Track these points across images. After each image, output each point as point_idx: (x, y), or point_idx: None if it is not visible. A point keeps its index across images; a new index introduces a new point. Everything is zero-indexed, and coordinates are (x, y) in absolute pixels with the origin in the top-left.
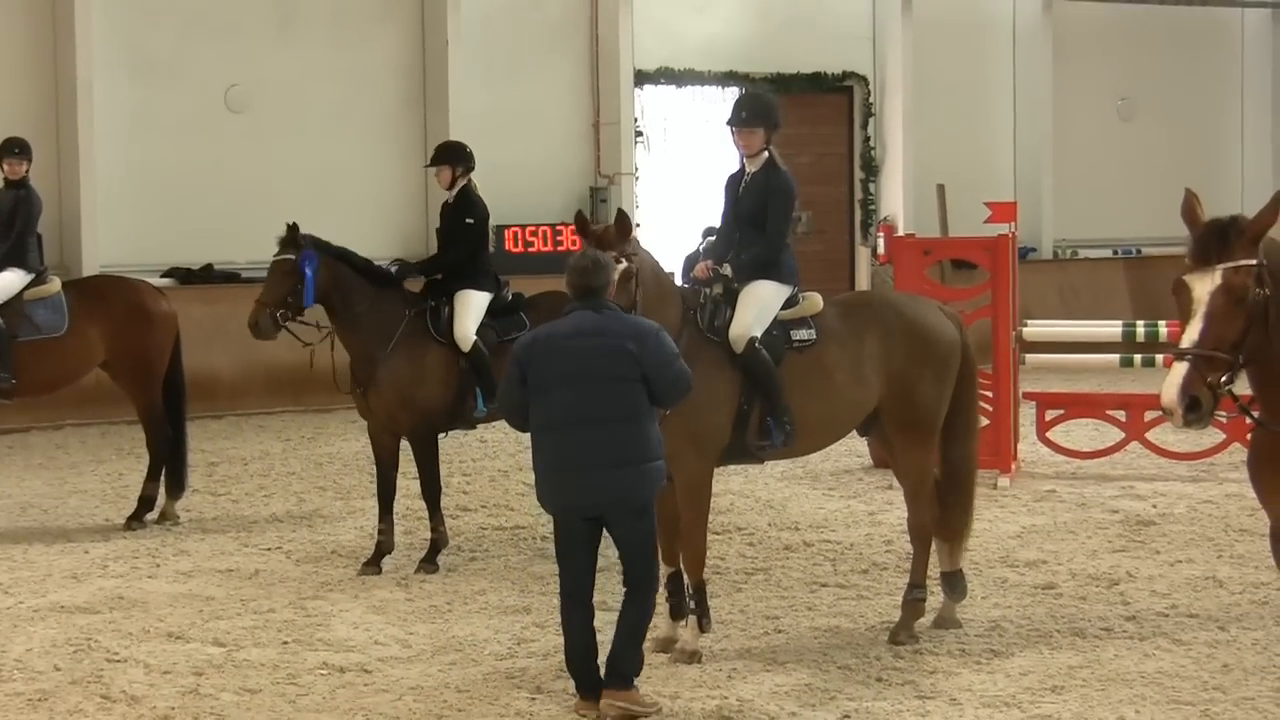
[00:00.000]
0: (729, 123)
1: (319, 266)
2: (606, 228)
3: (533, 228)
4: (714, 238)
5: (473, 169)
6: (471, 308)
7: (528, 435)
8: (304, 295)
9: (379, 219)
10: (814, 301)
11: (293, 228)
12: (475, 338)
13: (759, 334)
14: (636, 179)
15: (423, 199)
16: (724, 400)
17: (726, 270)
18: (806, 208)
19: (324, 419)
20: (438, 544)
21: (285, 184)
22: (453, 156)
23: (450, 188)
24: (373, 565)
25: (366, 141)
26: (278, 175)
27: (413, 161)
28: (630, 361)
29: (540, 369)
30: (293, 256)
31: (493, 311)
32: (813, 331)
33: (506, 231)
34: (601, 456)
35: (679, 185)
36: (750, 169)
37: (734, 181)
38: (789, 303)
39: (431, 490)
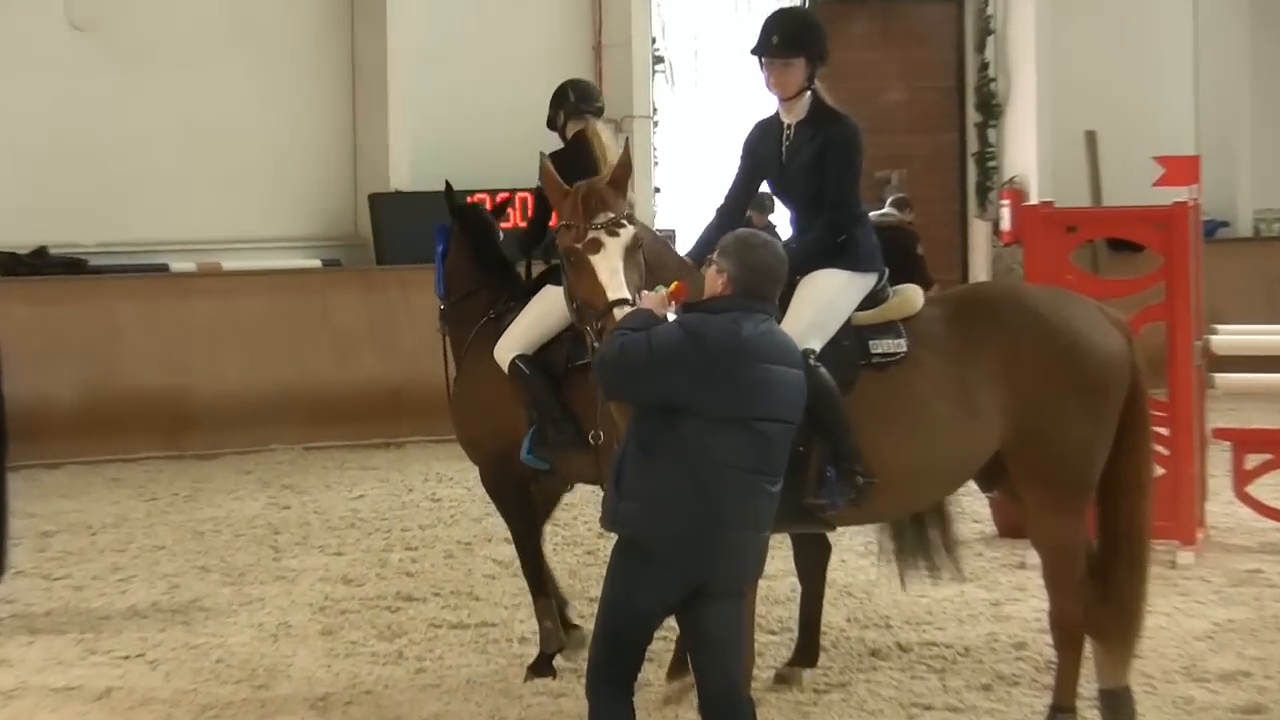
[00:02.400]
0: (755, 52)
1: (450, 245)
2: (594, 184)
3: (505, 193)
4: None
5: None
6: (534, 313)
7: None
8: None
9: (289, 184)
10: (907, 299)
11: (447, 186)
12: (515, 356)
13: (818, 345)
14: (655, 125)
15: (349, 155)
16: None
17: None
18: (896, 164)
19: (208, 469)
20: (543, 644)
21: (153, 135)
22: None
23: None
24: (542, 667)
25: (271, 74)
26: (142, 122)
27: (336, 103)
28: (801, 401)
29: (715, 383)
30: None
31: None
32: (902, 342)
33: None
34: (752, 517)
35: (716, 133)
36: (789, 118)
37: (764, 138)
38: (869, 300)
39: (523, 565)
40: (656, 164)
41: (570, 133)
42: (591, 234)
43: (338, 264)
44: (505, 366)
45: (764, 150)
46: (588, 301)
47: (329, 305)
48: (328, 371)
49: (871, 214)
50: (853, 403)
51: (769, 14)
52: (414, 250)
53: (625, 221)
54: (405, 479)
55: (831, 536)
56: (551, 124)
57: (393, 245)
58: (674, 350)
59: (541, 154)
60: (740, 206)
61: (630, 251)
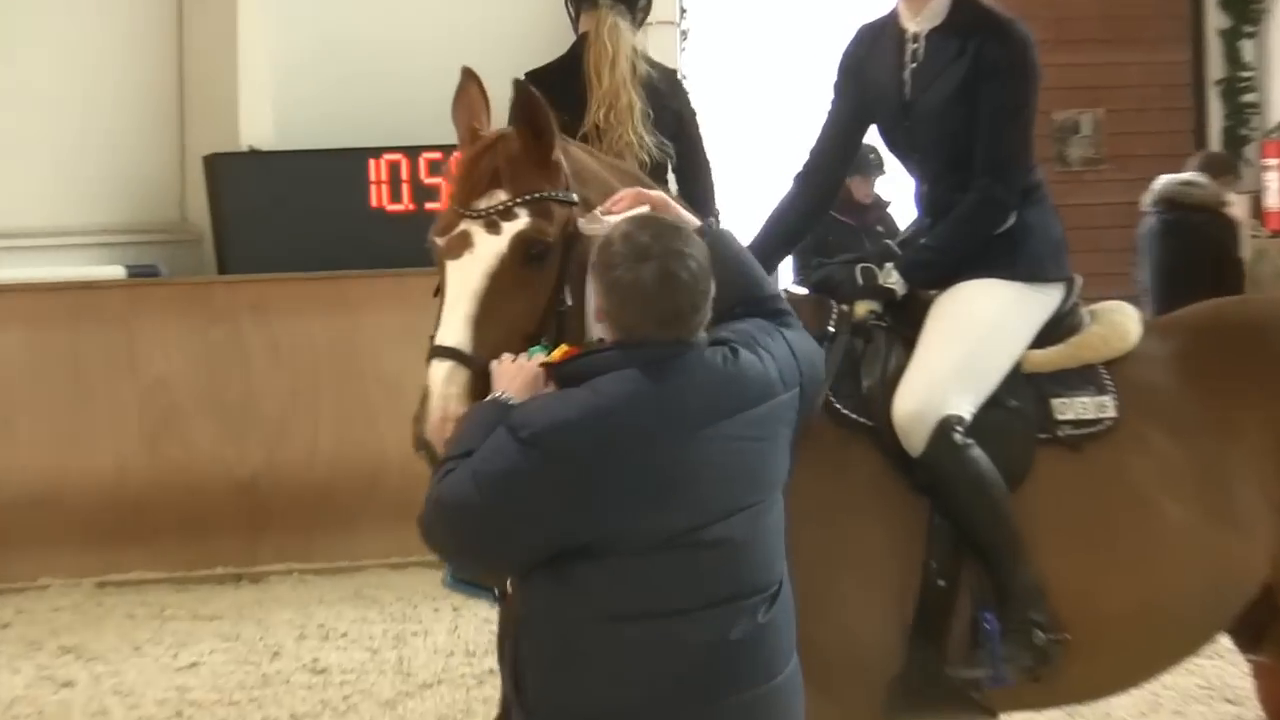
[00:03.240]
0: None
1: None
2: (494, 138)
3: (438, 152)
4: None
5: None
6: None
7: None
8: None
9: (66, 141)
10: (1113, 328)
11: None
12: None
13: (968, 409)
14: (684, 35)
15: (171, 93)
16: (882, 572)
17: (894, 279)
18: (1087, 100)
19: None
20: None
21: None
22: None
23: None
24: None
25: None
26: None
27: (147, 14)
28: (781, 458)
29: (614, 498)
30: None
31: None
32: (1108, 401)
33: (374, 163)
34: (751, 666)
35: (771, 47)
36: (915, 22)
37: (874, 56)
38: (1049, 330)
39: None
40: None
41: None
42: (462, 225)
43: (153, 272)
44: None
45: (873, 75)
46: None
47: (137, 342)
48: (134, 454)
49: (1160, 182)
50: (1027, 505)
51: None
52: (283, 248)
53: (522, 207)
54: (267, 635)
55: None
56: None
57: (244, 241)
58: (516, 476)
59: (516, 80)
60: (833, 168)
61: (521, 262)
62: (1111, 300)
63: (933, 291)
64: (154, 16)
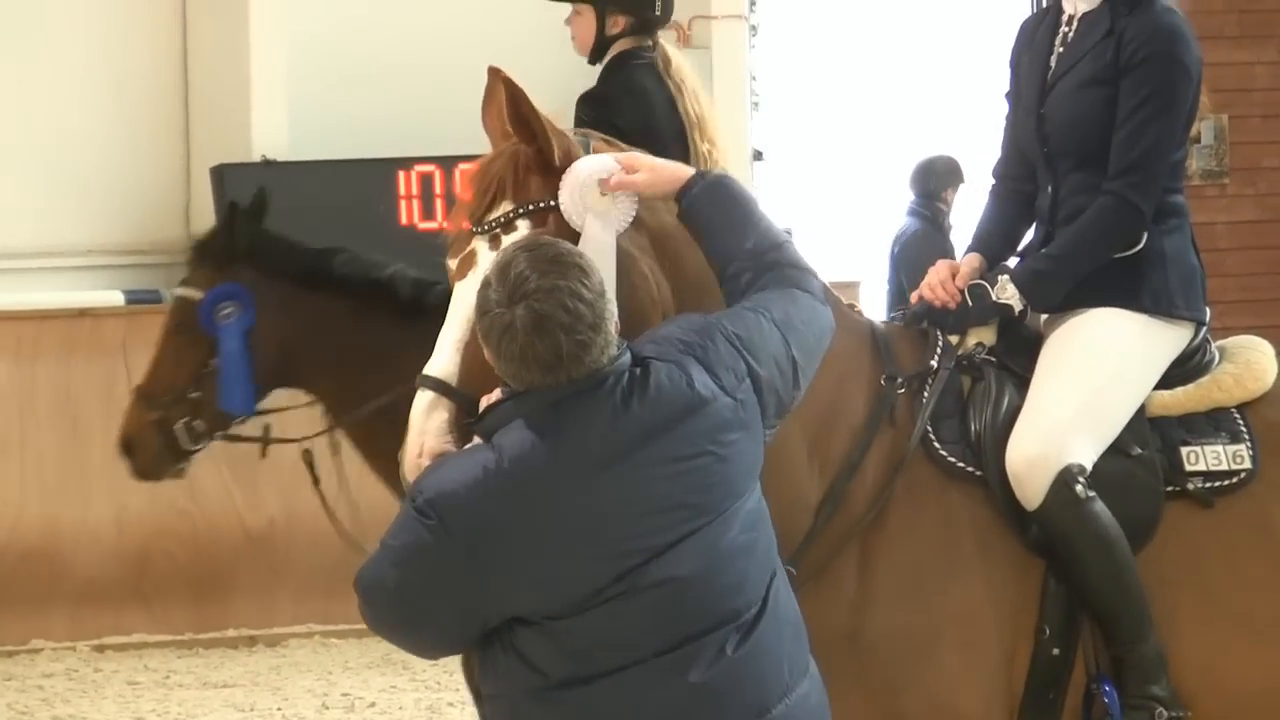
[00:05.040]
0: None
1: (258, 314)
2: (504, 154)
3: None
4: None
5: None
6: None
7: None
8: (225, 380)
9: (64, 155)
10: (1248, 365)
11: (229, 216)
12: None
13: (1089, 457)
14: (753, 30)
15: (177, 101)
16: (989, 638)
17: (1010, 292)
18: (1215, 103)
19: None
20: None
21: None
22: None
23: (590, 58)
24: None
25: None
26: None
27: (152, 17)
28: (732, 469)
29: (540, 553)
30: (196, 294)
31: None
32: (1244, 450)
33: (404, 175)
34: (715, 704)
35: (823, 89)
36: (1071, 6)
37: (1033, 41)
38: (1176, 367)
39: None
40: (755, 105)
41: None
42: (471, 243)
43: (155, 298)
44: None
45: (1029, 59)
46: None
47: (137, 376)
48: (135, 502)
49: None
50: (1152, 566)
51: None
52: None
53: (525, 218)
54: (285, 705)
55: None
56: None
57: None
58: (419, 547)
59: (490, 69)
60: (1026, 177)
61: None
62: (1241, 335)
63: (1044, 318)
64: (156, 12)
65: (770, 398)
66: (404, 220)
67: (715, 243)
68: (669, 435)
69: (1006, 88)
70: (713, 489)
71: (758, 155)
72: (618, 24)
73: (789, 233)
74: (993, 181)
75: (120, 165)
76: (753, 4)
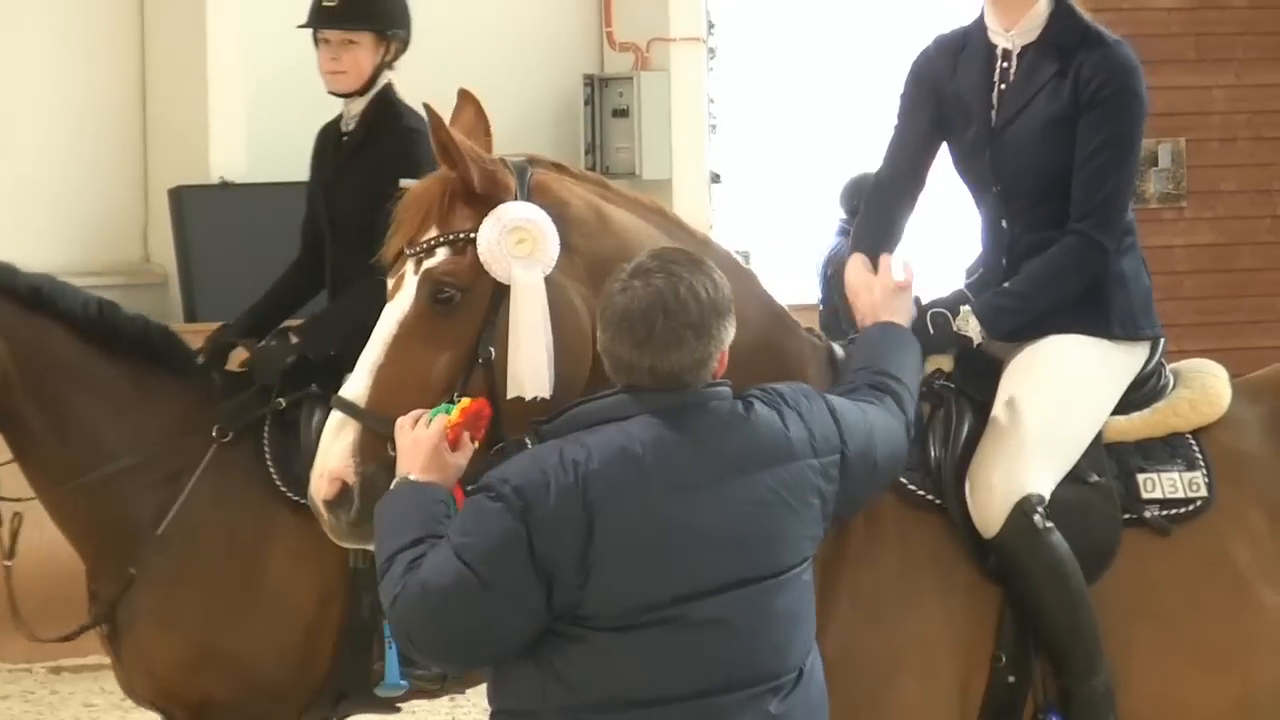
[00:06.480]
0: None
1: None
2: (431, 180)
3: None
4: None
5: (408, 42)
6: None
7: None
8: None
9: (15, 172)
10: (1204, 390)
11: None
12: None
13: (1048, 486)
14: (711, 53)
15: (134, 122)
16: (945, 666)
17: (972, 325)
18: (1170, 128)
19: None
20: None
21: None
22: (372, 10)
23: (359, 91)
24: None
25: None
26: None
27: (108, 35)
28: (802, 530)
29: (590, 561)
30: None
31: None
32: (1199, 477)
33: None
34: None
35: (780, 110)
36: (1008, 37)
37: (957, 72)
38: (1131, 392)
39: None
40: (714, 127)
41: None
42: (406, 263)
43: None
44: None
45: (956, 92)
46: None
47: None
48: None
49: None
50: (1108, 596)
51: None
52: (258, 293)
53: (446, 246)
54: None
55: None
56: None
57: (214, 284)
58: (511, 539)
59: (424, 105)
60: (910, 192)
61: (428, 306)
62: (1195, 359)
63: (996, 344)
64: (114, 34)
65: (848, 482)
66: None
67: (862, 349)
68: (757, 475)
69: (905, 97)
70: (779, 543)
71: (715, 178)
72: (391, 49)
73: (746, 255)
74: (871, 196)
75: (78, 187)
76: (711, 27)
